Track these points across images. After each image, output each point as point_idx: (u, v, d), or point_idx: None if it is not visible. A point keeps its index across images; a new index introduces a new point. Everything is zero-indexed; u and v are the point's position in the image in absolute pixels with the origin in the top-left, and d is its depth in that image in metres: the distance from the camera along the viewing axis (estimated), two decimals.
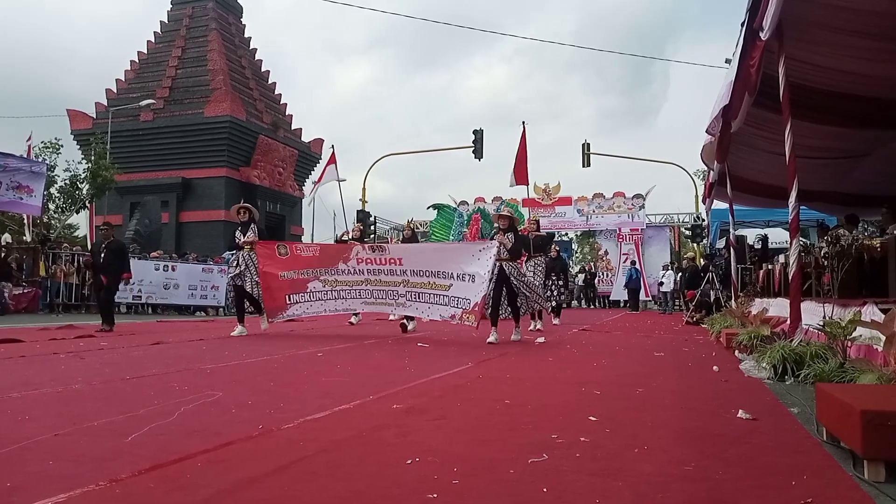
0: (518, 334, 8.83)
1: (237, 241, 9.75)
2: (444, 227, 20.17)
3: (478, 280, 8.27)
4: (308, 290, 9.76)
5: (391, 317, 12.04)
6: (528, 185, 12.58)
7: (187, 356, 6.33)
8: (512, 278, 8.46)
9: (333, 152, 15.78)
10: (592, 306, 29.94)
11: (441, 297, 8.72)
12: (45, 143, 22.79)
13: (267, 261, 9.70)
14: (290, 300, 9.78)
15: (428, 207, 21.70)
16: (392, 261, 9.25)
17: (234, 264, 9.80)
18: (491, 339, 8.20)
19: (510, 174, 17.85)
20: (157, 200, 30.03)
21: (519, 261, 11.23)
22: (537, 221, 12.80)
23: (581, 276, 31.23)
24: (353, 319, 12.13)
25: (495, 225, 9.07)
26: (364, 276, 9.48)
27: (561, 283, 14.10)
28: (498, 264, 8.36)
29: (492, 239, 8.74)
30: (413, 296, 9.08)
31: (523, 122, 15.12)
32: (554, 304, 13.75)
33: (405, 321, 10.16)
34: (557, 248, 14.68)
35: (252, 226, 9.81)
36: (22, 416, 3.32)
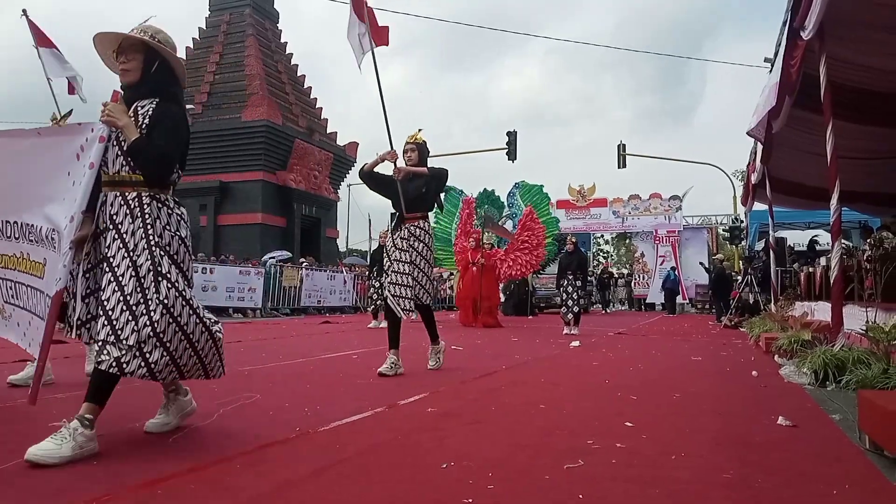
0: (167, 417, 3.22)
1: None
2: (449, 214, 17.24)
3: (60, 245, 2.95)
4: None
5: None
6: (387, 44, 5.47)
7: (225, 358, 6.42)
8: (119, 247, 2.84)
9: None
10: (605, 311, 26.80)
11: (36, 295, 3.21)
12: None
13: None
14: None
15: None
16: None
17: None
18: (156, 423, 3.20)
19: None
20: (195, 204, 30.53)
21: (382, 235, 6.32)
22: (417, 144, 5.71)
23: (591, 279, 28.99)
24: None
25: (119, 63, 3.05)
26: None
27: (578, 283, 11.39)
28: (103, 199, 2.97)
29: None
30: (9, 291, 3.52)
31: None
32: (574, 311, 11.28)
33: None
34: (574, 241, 12.10)
35: None
36: (67, 416, 3.41)
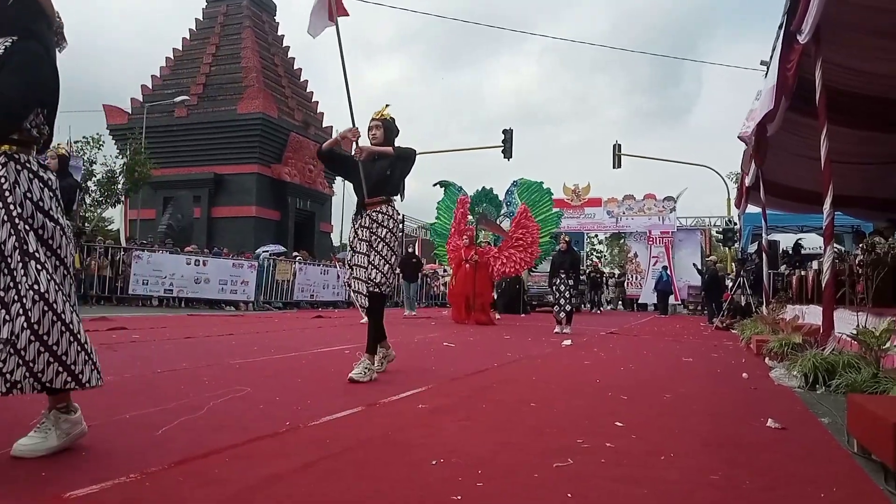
0: (45, 440, 2.46)
1: None
2: (449, 210, 16.79)
3: None
4: None
5: None
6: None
7: (217, 351, 6.42)
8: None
9: None
10: (597, 311, 26.01)
11: None
12: (87, 139, 23.13)
13: None
14: None
15: (434, 184, 17.77)
16: None
17: None
18: None
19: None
20: (189, 195, 30.43)
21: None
22: (383, 121, 5.10)
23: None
24: None
25: None
26: None
27: (571, 282, 11.32)
28: None
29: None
30: None
31: None
32: (566, 310, 11.22)
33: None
34: (567, 239, 12.09)
35: None
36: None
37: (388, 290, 4.98)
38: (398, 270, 19.15)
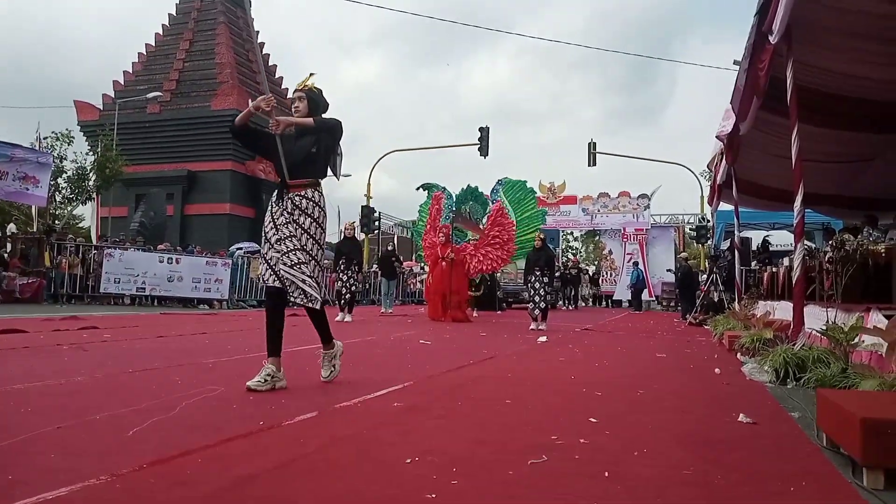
0: None
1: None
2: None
3: None
4: None
5: None
6: None
7: (190, 350, 6.35)
8: None
9: None
10: (570, 307, 25.57)
11: None
12: (57, 134, 22.75)
13: None
14: None
15: (418, 188, 17.52)
16: None
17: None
18: None
19: None
20: (162, 193, 30.11)
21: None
22: (307, 92, 4.50)
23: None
24: None
25: None
26: None
27: (546, 279, 11.34)
28: None
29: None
30: None
31: None
32: (541, 307, 11.25)
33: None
34: (542, 237, 12.02)
35: None
36: (25, 408, 3.34)
37: (321, 302, 4.34)
38: (375, 267, 19.04)
